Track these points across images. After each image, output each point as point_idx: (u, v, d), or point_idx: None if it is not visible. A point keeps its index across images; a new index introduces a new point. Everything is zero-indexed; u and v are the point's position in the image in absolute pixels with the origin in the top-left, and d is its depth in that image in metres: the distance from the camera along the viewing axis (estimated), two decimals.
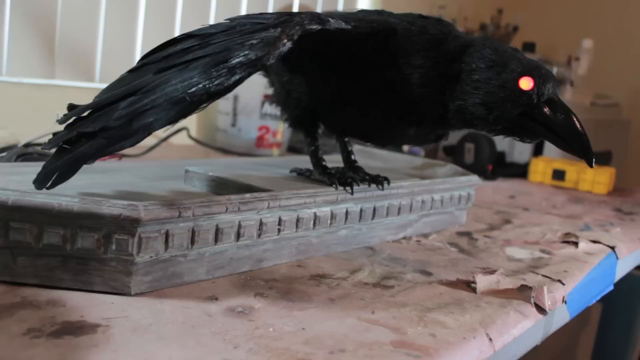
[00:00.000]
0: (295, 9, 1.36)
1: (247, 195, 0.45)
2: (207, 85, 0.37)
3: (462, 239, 0.66)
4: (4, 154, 0.67)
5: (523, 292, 0.48)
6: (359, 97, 0.51)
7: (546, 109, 0.47)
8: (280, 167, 0.62)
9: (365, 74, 0.50)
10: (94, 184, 0.50)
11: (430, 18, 0.51)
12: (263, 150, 1.13)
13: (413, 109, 0.50)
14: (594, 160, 0.46)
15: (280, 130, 1.14)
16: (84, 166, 0.55)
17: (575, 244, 0.68)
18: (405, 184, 0.60)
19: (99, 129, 0.37)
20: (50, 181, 0.38)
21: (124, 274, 0.39)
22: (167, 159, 0.98)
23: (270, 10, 1.31)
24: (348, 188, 0.53)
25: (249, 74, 0.39)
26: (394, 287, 0.47)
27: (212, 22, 1.15)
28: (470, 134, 1.19)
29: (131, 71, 0.41)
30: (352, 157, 0.60)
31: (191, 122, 1.20)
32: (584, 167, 1.15)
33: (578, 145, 0.46)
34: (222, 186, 0.52)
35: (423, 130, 0.52)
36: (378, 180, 0.56)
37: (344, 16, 0.47)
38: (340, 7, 1.43)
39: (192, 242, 0.42)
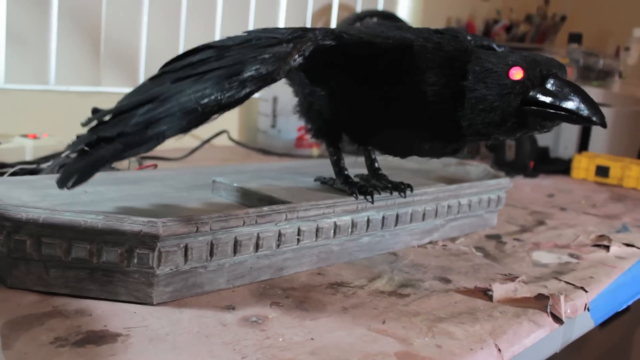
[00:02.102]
0: (335, 8, 1.37)
1: (265, 208, 0.47)
2: (219, 97, 0.39)
3: (490, 243, 0.66)
4: (49, 163, 0.71)
5: (540, 301, 0.49)
6: (374, 112, 0.52)
7: (548, 86, 0.47)
8: (307, 175, 0.64)
9: (380, 90, 0.51)
10: (126, 196, 0.53)
11: (446, 34, 0.51)
12: (302, 150, 1.15)
13: (427, 125, 0.51)
14: (605, 120, 0.47)
15: None
16: (118, 177, 0.58)
17: (607, 247, 0.67)
18: (429, 190, 0.61)
19: (116, 134, 0.39)
20: (71, 182, 0.40)
21: (146, 285, 0.42)
22: (208, 160, 1.01)
23: (309, 9, 1.32)
24: (369, 197, 0.54)
25: (259, 88, 0.40)
26: (409, 295, 0.48)
27: (251, 24, 1.17)
28: None
29: (152, 79, 0.43)
30: (376, 164, 0.62)
31: (233, 123, 1.23)
32: (629, 163, 1.12)
33: (588, 110, 0.46)
34: (245, 196, 0.54)
35: (438, 145, 0.53)
36: (400, 187, 0.57)
37: (362, 32, 0.49)
38: (380, 6, 1.43)
39: (211, 254, 0.44)
